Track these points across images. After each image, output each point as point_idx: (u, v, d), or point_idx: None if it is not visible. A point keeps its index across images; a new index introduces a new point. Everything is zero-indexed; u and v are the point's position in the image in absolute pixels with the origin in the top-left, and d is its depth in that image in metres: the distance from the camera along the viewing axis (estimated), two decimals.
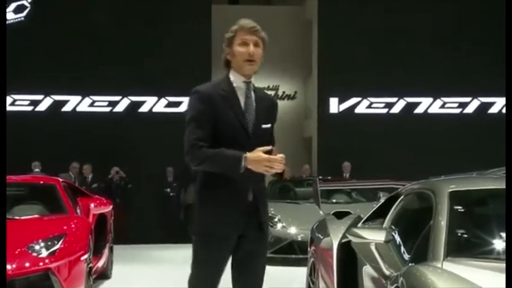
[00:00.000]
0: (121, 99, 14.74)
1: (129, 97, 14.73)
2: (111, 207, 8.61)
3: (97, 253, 7.58)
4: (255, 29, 3.41)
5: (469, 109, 15.03)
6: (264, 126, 3.43)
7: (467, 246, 3.85)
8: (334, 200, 11.72)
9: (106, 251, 8.16)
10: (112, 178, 13.94)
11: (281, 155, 3.28)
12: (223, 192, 3.36)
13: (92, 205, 7.91)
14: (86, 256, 6.42)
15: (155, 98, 14.78)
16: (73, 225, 6.62)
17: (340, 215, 5.81)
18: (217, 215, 3.36)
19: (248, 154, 3.26)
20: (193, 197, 3.46)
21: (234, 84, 3.43)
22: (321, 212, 9.85)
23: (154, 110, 14.80)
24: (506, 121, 4.56)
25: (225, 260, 3.43)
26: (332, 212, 6.02)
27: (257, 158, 3.25)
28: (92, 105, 14.70)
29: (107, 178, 13.91)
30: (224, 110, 3.35)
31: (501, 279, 3.30)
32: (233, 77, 3.44)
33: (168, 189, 14.38)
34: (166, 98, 14.77)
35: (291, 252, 10.12)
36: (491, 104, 15.04)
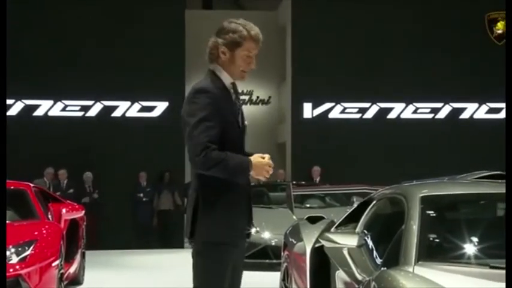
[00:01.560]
0: (94, 104, 14.63)
1: (102, 101, 14.63)
2: (83, 212, 8.53)
3: (69, 259, 7.50)
4: (261, 41, 3.35)
5: (441, 114, 15.18)
6: (246, 123, 3.41)
7: (439, 250, 3.88)
8: (307, 205, 11.75)
9: (78, 257, 8.09)
10: (84, 185, 13.87)
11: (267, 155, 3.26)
12: (228, 199, 3.22)
13: (64, 210, 7.84)
14: (57, 262, 6.35)
15: (128, 103, 14.70)
16: (44, 231, 6.55)
17: (313, 220, 5.83)
18: (230, 224, 3.22)
19: (252, 159, 3.20)
20: (193, 203, 3.22)
21: (225, 83, 3.35)
22: (294, 217, 9.87)
23: (128, 114, 14.71)
24: (506, 121, 4.63)
25: (229, 272, 3.26)
26: (305, 217, 6.03)
27: (260, 164, 3.19)
28: (64, 109, 14.57)
29: (79, 185, 13.80)
30: (227, 110, 3.27)
31: (472, 283, 3.33)
32: (221, 75, 3.33)
33: (141, 194, 14.30)
34: (140, 102, 14.70)
35: (264, 257, 10.12)
36: (463, 109, 15.20)
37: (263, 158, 3.22)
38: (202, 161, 3.11)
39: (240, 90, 3.44)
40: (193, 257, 3.27)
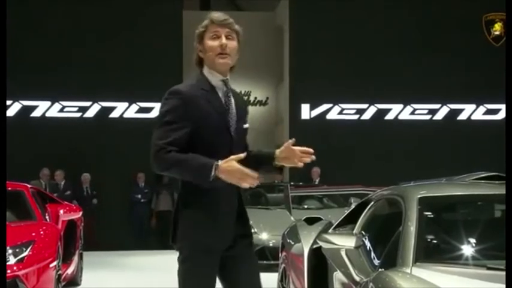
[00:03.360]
0: (91, 105, 14.62)
1: (100, 102, 14.62)
2: (80, 213, 8.53)
3: (66, 260, 7.50)
4: (228, 22, 3.18)
5: (439, 116, 15.19)
6: (244, 126, 3.23)
7: (436, 251, 3.88)
8: (305, 206, 11.75)
9: (75, 258, 8.08)
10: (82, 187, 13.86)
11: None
12: (208, 200, 3.07)
13: (61, 211, 7.83)
14: (54, 263, 6.35)
15: (126, 104, 14.69)
16: (42, 232, 6.55)
17: (311, 221, 5.83)
18: (204, 229, 3.07)
19: (220, 163, 2.96)
20: (175, 207, 3.18)
21: (212, 83, 3.17)
22: (292, 218, 9.87)
23: (125, 115, 14.70)
24: (506, 121, 4.62)
25: (215, 273, 3.15)
26: (303, 218, 6.03)
27: (230, 168, 2.96)
28: (61, 110, 14.56)
29: (77, 187, 13.80)
30: (208, 112, 3.09)
31: (469, 284, 3.34)
32: (209, 75, 3.18)
33: (139, 195, 14.29)
34: (138, 103, 14.69)
35: (262, 258, 10.11)
36: (460, 110, 15.21)
37: (238, 159, 2.99)
38: (156, 163, 3.03)
39: (237, 91, 3.29)
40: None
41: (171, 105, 3.07)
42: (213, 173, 2.96)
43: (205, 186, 3.02)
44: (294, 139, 3.22)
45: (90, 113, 14.62)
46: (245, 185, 2.97)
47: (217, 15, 3.21)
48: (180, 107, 3.05)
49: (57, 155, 13.80)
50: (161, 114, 3.10)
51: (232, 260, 3.16)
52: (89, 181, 13.95)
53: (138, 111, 14.72)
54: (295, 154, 3.21)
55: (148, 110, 14.68)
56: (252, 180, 2.96)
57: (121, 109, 14.69)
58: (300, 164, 3.22)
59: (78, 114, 14.60)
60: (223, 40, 3.14)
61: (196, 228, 3.08)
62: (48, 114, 14.48)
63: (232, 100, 3.20)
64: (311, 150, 3.24)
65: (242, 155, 3.00)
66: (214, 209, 3.09)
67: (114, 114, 14.68)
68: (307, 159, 3.20)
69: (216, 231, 3.09)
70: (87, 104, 14.59)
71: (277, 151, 3.24)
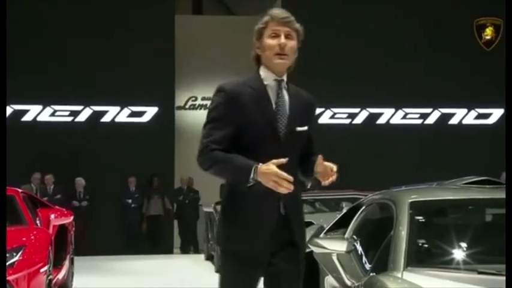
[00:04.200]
0: (83, 109, 14.58)
1: (92, 107, 14.58)
2: (71, 218, 8.48)
3: (57, 265, 7.46)
4: (288, 20, 3.06)
5: (430, 120, 15.23)
6: (298, 129, 3.05)
7: (428, 256, 3.89)
8: None
9: (66, 263, 8.04)
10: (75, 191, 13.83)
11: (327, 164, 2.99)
12: (248, 205, 2.95)
13: (52, 216, 7.79)
14: (45, 268, 6.31)
15: (118, 108, 14.66)
16: (32, 237, 6.51)
17: None
18: (242, 233, 2.98)
19: (260, 165, 2.85)
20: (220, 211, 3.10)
21: (265, 82, 3.04)
22: None
23: (117, 119, 14.67)
24: (506, 122, 4.60)
25: (254, 281, 3.04)
26: None
27: (266, 171, 2.83)
28: (53, 114, 14.51)
29: (66, 190, 13.75)
30: (253, 111, 2.97)
31: None
32: (264, 73, 3.06)
33: (130, 200, 14.24)
34: (129, 107, 14.67)
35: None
36: (452, 114, 15.26)
37: (278, 163, 2.85)
38: (200, 161, 2.97)
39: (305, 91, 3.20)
40: None
41: (215, 102, 3.01)
42: (252, 175, 2.85)
43: (243, 189, 2.90)
44: (321, 155, 3.04)
45: (81, 117, 14.58)
46: (282, 189, 2.83)
47: (278, 11, 3.10)
48: (222, 104, 2.98)
49: (48, 159, 13.76)
50: (207, 112, 3.05)
51: (275, 271, 3.03)
52: (83, 186, 13.90)
53: (130, 115, 14.69)
54: (327, 171, 3.08)
55: (140, 114, 14.65)
56: (288, 185, 2.82)
57: (113, 113, 14.66)
58: (326, 183, 3.10)
59: (70, 119, 14.56)
60: (282, 39, 3.02)
61: (225, 235, 3.04)
62: (39, 119, 14.44)
63: (287, 101, 3.05)
64: (334, 168, 3.08)
65: (283, 160, 2.86)
66: (242, 216, 2.99)
67: (106, 119, 14.64)
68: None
69: (244, 239, 2.98)
70: (79, 108, 14.55)
71: (315, 164, 3.07)
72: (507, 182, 4.04)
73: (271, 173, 2.82)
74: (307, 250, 5.03)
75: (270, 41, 3.03)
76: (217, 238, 3.14)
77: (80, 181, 13.88)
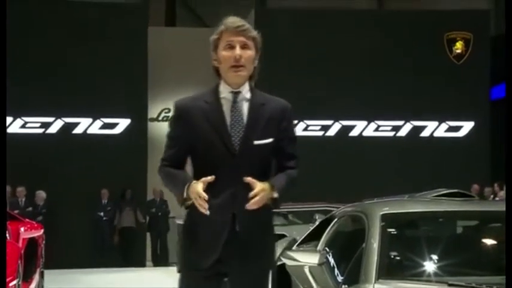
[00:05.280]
0: (54, 121, 14.44)
1: (63, 118, 14.45)
2: (42, 231, 8.38)
3: (27, 278, 7.35)
4: (243, 28, 2.91)
5: (402, 132, 15.37)
6: (257, 142, 2.89)
7: (399, 268, 3.91)
8: None
9: (36, 276, 7.93)
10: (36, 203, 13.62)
11: (203, 195, 2.79)
12: (203, 221, 2.88)
13: (22, 229, 7.68)
14: (14, 282, 6.22)
15: (90, 120, 14.55)
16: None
17: (275, 238, 5.81)
18: (197, 249, 2.93)
19: (192, 183, 2.83)
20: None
21: (222, 95, 2.94)
22: None
23: (89, 131, 14.56)
24: (506, 122, 4.59)
25: None
26: None
27: (191, 189, 2.83)
28: (23, 126, 14.36)
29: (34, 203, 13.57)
30: (204, 127, 2.89)
31: None
32: (221, 86, 2.96)
33: (102, 213, 14.11)
34: (102, 119, 14.57)
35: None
36: (423, 127, 15.41)
37: (205, 182, 2.81)
38: (160, 177, 3.06)
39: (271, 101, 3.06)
40: None
41: (172, 119, 3.04)
42: (185, 194, 2.86)
43: (215, 202, 2.83)
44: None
45: (53, 129, 14.44)
46: (200, 209, 2.79)
47: (232, 20, 2.95)
48: (174, 121, 3.00)
49: (19, 171, 13.56)
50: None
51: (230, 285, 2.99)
52: (44, 199, 13.66)
53: (102, 127, 14.58)
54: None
55: (112, 125, 14.56)
56: (202, 204, 2.78)
57: (84, 125, 14.54)
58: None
59: (41, 130, 14.41)
60: (237, 51, 2.89)
61: (183, 251, 3.05)
62: (10, 130, 14.26)
63: (245, 113, 2.92)
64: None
65: (209, 178, 2.79)
66: (196, 232, 2.94)
67: (78, 130, 14.52)
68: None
69: (199, 255, 2.93)
70: (50, 119, 14.41)
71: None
72: (507, 183, 4.07)
73: (193, 191, 2.81)
74: (280, 263, 5.04)
75: (224, 53, 2.91)
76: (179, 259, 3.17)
77: (40, 194, 13.66)
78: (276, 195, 2.87)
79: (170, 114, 3.21)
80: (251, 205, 2.80)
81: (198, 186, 2.80)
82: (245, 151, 2.88)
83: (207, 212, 2.81)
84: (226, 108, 2.92)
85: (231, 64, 2.90)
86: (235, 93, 2.94)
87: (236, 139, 2.89)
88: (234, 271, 2.94)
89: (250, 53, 2.93)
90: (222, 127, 2.90)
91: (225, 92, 2.95)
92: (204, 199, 2.79)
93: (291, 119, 3.07)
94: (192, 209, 2.90)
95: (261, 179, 2.86)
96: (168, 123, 3.09)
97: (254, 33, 2.96)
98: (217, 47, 2.94)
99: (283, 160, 3.00)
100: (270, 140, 2.93)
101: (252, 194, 2.79)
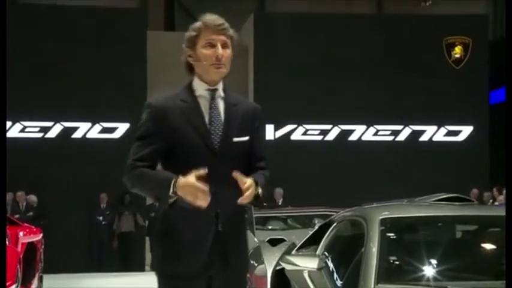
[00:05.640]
0: (53, 125, 14.44)
1: (62, 123, 14.45)
2: (41, 235, 8.38)
3: (26, 283, 7.35)
4: (224, 27, 2.87)
5: (401, 137, 15.37)
6: (236, 139, 2.87)
7: (398, 272, 3.90)
8: (269, 227, 11.71)
9: (35, 281, 7.93)
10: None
11: (246, 180, 2.71)
12: (183, 223, 2.80)
13: (21, 234, 7.68)
14: (13, 286, 6.22)
15: (89, 124, 14.55)
16: None
17: (274, 242, 5.82)
18: (177, 253, 2.82)
19: (179, 178, 2.71)
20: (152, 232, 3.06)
21: (197, 93, 2.90)
22: (255, 239, 9.84)
23: (88, 135, 14.55)
24: (506, 122, 4.59)
25: None
26: (267, 239, 6.02)
27: (184, 183, 2.69)
28: (22, 131, 14.35)
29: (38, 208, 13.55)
30: (183, 126, 2.83)
31: None
32: (196, 84, 2.92)
33: (101, 217, 14.09)
34: (101, 123, 14.56)
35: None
36: (422, 132, 15.41)
37: (198, 175, 2.70)
38: (125, 179, 2.87)
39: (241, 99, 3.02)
40: None
41: (143, 120, 2.90)
42: (171, 190, 2.71)
43: (175, 208, 2.75)
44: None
45: (52, 133, 14.44)
46: (199, 203, 2.68)
47: (212, 18, 2.89)
48: (149, 121, 2.87)
49: (18, 176, 13.55)
50: (135, 130, 2.95)
51: None
52: (36, 203, 13.61)
53: (101, 132, 14.58)
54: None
55: (111, 130, 14.55)
56: (204, 196, 2.67)
57: (84, 129, 14.54)
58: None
59: (40, 135, 14.41)
60: (220, 50, 2.86)
61: (161, 258, 2.89)
62: (9, 135, 14.24)
63: (221, 110, 2.90)
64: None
65: (202, 171, 2.70)
66: (177, 236, 2.83)
67: (77, 135, 14.52)
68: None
69: (180, 260, 2.83)
70: (49, 124, 14.41)
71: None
72: (507, 185, 4.06)
73: (188, 184, 2.68)
74: (279, 267, 5.03)
75: (205, 51, 2.87)
76: (152, 262, 3.01)
77: (31, 198, 13.62)
78: (260, 191, 2.83)
79: (142, 114, 2.97)
80: (244, 199, 2.74)
81: (191, 179, 2.69)
82: (225, 149, 2.86)
83: (204, 205, 2.69)
84: (204, 106, 2.90)
85: (213, 62, 2.87)
86: (213, 91, 2.91)
87: (216, 137, 2.86)
88: (218, 273, 2.87)
89: (229, 52, 2.91)
90: (202, 126, 2.86)
91: (200, 89, 2.91)
92: (204, 192, 2.67)
93: (262, 120, 3.07)
94: (172, 209, 2.78)
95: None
96: (138, 124, 2.92)
97: (232, 31, 2.92)
98: (195, 44, 2.89)
99: (255, 161, 2.97)
100: (247, 137, 2.92)
101: (245, 187, 2.73)
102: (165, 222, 2.87)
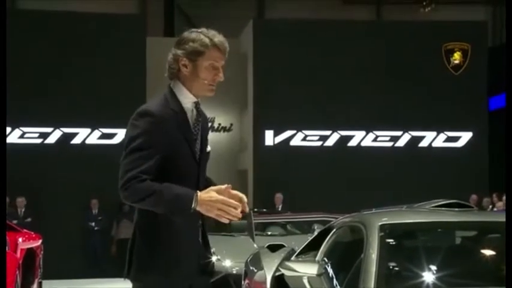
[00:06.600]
0: (53, 131, 14.44)
1: (62, 128, 14.45)
2: (40, 241, 8.37)
3: None
4: (227, 50, 2.93)
5: (400, 142, 15.37)
6: (208, 149, 2.97)
7: (398, 278, 3.90)
8: (269, 233, 11.72)
9: (35, 287, 7.91)
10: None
11: (240, 196, 2.75)
12: (174, 236, 2.80)
13: (20, 240, 7.68)
14: None
15: (88, 130, 14.55)
16: None
17: (274, 248, 5.82)
18: (165, 265, 2.80)
19: (200, 193, 2.71)
20: (131, 241, 2.92)
21: (184, 105, 2.90)
22: (255, 245, 9.83)
23: (88, 141, 14.55)
24: (506, 133, 4.60)
25: None
26: (266, 245, 6.02)
27: (211, 199, 2.69)
28: (22, 136, 14.35)
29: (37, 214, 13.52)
30: (178, 137, 2.83)
31: None
32: (181, 94, 2.89)
33: (93, 223, 14.08)
34: (100, 129, 14.56)
35: (225, 286, 10.03)
36: (422, 137, 15.42)
37: (220, 191, 2.72)
38: (129, 193, 2.76)
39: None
40: None
41: (141, 128, 2.78)
42: (193, 204, 2.70)
43: (168, 221, 2.76)
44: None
45: (51, 139, 14.43)
46: (229, 217, 2.69)
47: (221, 40, 2.91)
48: (150, 131, 2.77)
49: (17, 181, 13.54)
50: (130, 139, 2.80)
51: None
52: (24, 205, 13.60)
53: (100, 138, 14.58)
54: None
55: (111, 136, 14.55)
56: (236, 213, 2.69)
57: (83, 135, 14.54)
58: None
59: (39, 141, 14.40)
60: (221, 74, 2.90)
61: (152, 263, 2.83)
62: (8, 140, 14.23)
63: (200, 124, 2.95)
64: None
65: (223, 186, 2.73)
66: (168, 248, 2.82)
67: (76, 140, 14.52)
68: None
69: (172, 271, 2.81)
70: (49, 130, 14.41)
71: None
72: (507, 186, 4.07)
73: (216, 200, 2.70)
74: (278, 273, 5.03)
75: (208, 72, 2.88)
76: (130, 272, 2.88)
77: (21, 201, 13.60)
78: None
79: (136, 121, 2.86)
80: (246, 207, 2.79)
81: (218, 195, 2.71)
82: (202, 159, 2.93)
83: (239, 217, 2.73)
84: (189, 117, 2.92)
85: (210, 83, 2.90)
86: (196, 103, 2.95)
87: (197, 148, 2.92)
88: (197, 280, 2.91)
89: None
90: (190, 136, 2.89)
91: (186, 101, 2.91)
92: (236, 207, 2.70)
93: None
94: (159, 222, 2.79)
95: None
96: (135, 132, 2.79)
97: None
98: (197, 59, 2.87)
99: (204, 171, 3.02)
100: (209, 147, 3.01)
101: (244, 197, 2.79)
102: (151, 234, 2.84)
